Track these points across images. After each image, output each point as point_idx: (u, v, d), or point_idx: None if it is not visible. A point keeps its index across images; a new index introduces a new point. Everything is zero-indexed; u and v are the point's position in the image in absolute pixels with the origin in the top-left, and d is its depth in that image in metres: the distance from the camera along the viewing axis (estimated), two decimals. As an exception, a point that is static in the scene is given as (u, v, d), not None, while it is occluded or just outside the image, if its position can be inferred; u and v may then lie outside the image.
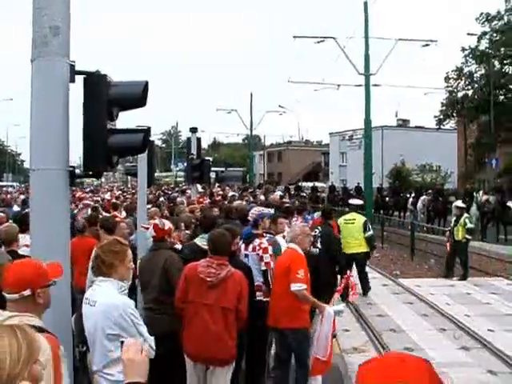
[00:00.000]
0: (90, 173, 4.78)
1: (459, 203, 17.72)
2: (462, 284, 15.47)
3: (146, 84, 4.71)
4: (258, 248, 7.82)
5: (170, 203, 16.83)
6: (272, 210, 10.02)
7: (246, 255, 7.87)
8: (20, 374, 1.99)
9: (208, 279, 5.59)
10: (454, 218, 17.12)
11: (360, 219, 13.82)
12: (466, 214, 17.07)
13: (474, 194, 29.50)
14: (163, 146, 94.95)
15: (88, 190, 45.07)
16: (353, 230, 13.43)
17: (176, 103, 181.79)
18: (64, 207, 4.61)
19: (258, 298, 7.36)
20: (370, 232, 13.71)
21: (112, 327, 4.23)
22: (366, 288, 13.50)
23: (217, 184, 37.60)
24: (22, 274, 3.38)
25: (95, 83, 4.60)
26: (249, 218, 9.04)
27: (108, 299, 4.29)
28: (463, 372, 8.47)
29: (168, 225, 6.92)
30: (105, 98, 4.56)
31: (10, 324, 2.16)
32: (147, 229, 7.95)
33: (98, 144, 4.52)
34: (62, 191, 4.56)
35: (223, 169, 54.03)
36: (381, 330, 10.51)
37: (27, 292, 3.30)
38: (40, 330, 3.08)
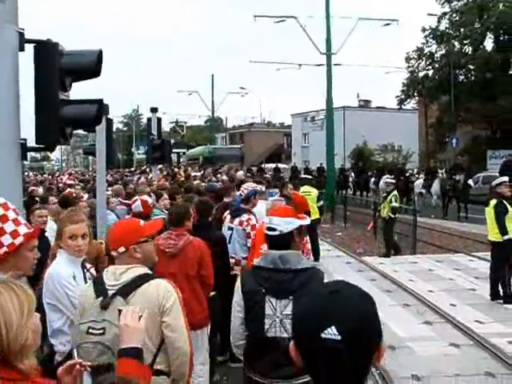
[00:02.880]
0: (43, 146, 4.59)
1: (389, 179, 17.67)
2: (425, 260, 15.60)
3: (100, 53, 4.53)
4: (245, 224, 7.83)
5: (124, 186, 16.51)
6: (264, 188, 9.90)
7: (231, 228, 7.89)
8: (27, 326, 2.11)
9: (167, 250, 5.73)
10: (384, 195, 17.26)
11: (314, 191, 15.73)
12: (394, 192, 16.95)
13: (439, 172, 29.85)
14: (125, 129, 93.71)
15: (48, 173, 44.27)
16: (310, 201, 14.29)
17: (136, 86, 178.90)
18: (16, 181, 4.41)
19: (233, 272, 7.26)
20: (322, 202, 16.36)
21: (49, 296, 4.29)
22: (317, 252, 13.88)
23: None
24: (115, 233, 3.74)
25: (46, 52, 4.39)
26: (240, 192, 8.87)
27: (50, 269, 4.41)
28: (427, 346, 8.53)
29: (153, 203, 6.87)
30: (57, 67, 4.37)
31: (5, 281, 2.24)
32: (129, 205, 7.83)
33: (50, 115, 4.34)
34: (13, 164, 4.36)
35: (185, 150, 53.20)
36: (345, 306, 10.49)
37: (122, 249, 3.57)
38: (157, 276, 3.59)
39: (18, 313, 2.09)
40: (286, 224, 3.87)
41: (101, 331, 3.35)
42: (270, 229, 3.96)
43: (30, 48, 4.41)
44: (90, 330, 3.40)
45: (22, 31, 4.35)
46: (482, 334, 8.83)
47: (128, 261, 3.57)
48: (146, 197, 7.28)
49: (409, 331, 9.20)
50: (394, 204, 16.55)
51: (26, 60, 4.45)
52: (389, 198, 16.73)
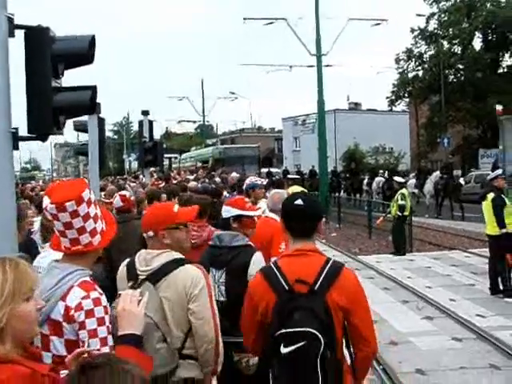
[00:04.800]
0: (35, 135, 4.43)
1: (398, 178, 17.49)
2: (422, 258, 15.52)
3: (93, 38, 4.38)
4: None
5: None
6: (265, 182, 9.84)
7: None
8: (1, 308, 1.97)
9: (192, 241, 5.49)
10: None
11: (303, 191, 14.82)
12: (402, 190, 16.76)
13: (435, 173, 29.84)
14: (115, 137, 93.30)
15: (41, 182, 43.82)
16: None
17: (126, 94, 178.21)
18: (7, 172, 4.25)
19: None
20: None
21: None
22: None
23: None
24: (147, 216, 3.88)
25: (37, 38, 4.24)
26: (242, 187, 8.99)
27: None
28: (429, 340, 8.44)
29: (133, 196, 6.73)
30: (48, 53, 4.21)
31: (3, 257, 2.12)
32: (110, 203, 7.70)
33: (42, 103, 4.19)
34: (4, 155, 4.20)
35: (177, 155, 51.88)
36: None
37: (150, 233, 3.62)
38: (188, 262, 3.61)
39: None
40: (224, 211, 4.83)
41: None
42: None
43: (20, 34, 4.26)
44: None
45: (11, 16, 4.20)
46: (484, 328, 8.74)
47: (158, 246, 3.61)
48: (124, 192, 7.13)
49: (410, 327, 9.11)
50: (402, 202, 16.40)
51: (17, 46, 4.30)
52: (396, 196, 16.62)
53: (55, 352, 2.77)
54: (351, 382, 3.24)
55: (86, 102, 4.40)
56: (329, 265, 3.12)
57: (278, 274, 3.10)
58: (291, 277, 3.06)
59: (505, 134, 15.97)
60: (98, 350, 2.61)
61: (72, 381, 1.68)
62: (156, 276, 3.49)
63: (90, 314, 2.71)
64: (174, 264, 3.54)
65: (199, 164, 40.49)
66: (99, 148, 9.47)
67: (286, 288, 3.04)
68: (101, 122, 9.76)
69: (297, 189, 15.17)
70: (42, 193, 17.89)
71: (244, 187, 8.45)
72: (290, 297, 3.01)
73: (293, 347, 2.89)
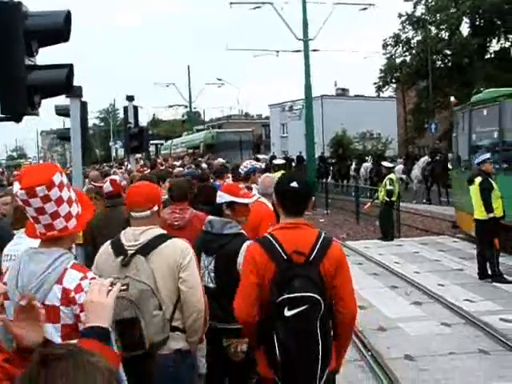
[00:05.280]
0: (9, 116, 4.23)
1: (387, 163, 17.36)
2: (410, 243, 15.46)
3: (68, 13, 4.15)
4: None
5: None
6: (263, 165, 9.74)
7: None
8: None
9: (175, 223, 5.83)
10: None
11: None
12: (390, 175, 16.62)
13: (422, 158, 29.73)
14: (101, 124, 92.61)
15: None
16: None
17: (112, 80, 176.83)
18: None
19: None
20: None
21: None
22: None
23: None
24: (150, 193, 3.89)
25: (9, 13, 4.03)
26: (240, 170, 8.69)
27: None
28: (418, 326, 8.36)
29: (123, 181, 6.62)
30: (21, 29, 4.00)
31: None
32: (100, 187, 7.57)
33: (16, 81, 3.98)
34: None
35: (163, 141, 51.13)
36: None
37: (156, 208, 3.79)
38: (172, 236, 3.84)
39: None
40: (218, 197, 4.76)
41: (124, 287, 3.45)
42: None
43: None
44: None
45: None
46: (472, 313, 8.68)
47: (155, 220, 3.85)
48: (114, 176, 7.02)
49: (398, 312, 9.01)
50: (390, 187, 16.24)
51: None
52: (384, 181, 16.50)
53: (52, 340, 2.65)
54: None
55: (62, 81, 4.20)
56: (321, 238, 3.46)
57: (276, 244, 3.41)
58: (288, 247, 3.38)
59: (457, 125, 16.46)
60: None
61: (30, 374, 1.50)
62: (146, 249, 3.67)
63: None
64: (163, 238, 3.75)
65: (190, 151, 37.80)
66: (82, 133, 9.23)
67: (285, 257, 3.37)
68: (83, 105, 9.49)
69: (283, 173, 15.17)
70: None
71: (244, 171, 8.29)
72: (289, 265, 3.34)
73: (296, 310, 3.23)
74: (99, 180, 9.79)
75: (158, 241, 3.71)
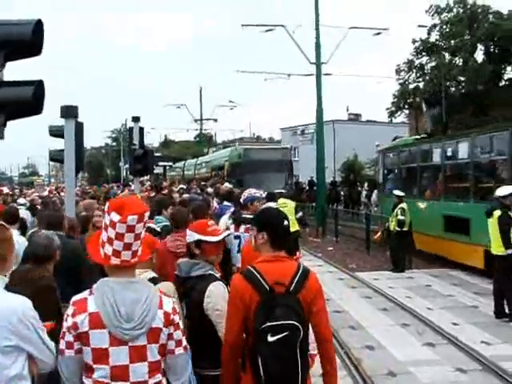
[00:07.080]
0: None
1: (397, 192, 16.74)
2: (421, 276, 14.82)
3: (39, 23, 3.60)
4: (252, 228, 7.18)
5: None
6: (264, 194, 9.19)
7: (237, 236, 7.48)
8: None
9: (178, 250, 5.83)
10: (392, 207, 16.40)
11: (291, 203, 15.17)
12: (401, 204, 15.90)
13: None
14: (114, 144, 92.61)
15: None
16: (287, 213, 13.37)
17: (125, 101, 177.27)
18: None
19: None
20: (300, 213, 16.08)
21: (9, 337, 3.12)
22: None
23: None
24: (150, 241, 3.94)
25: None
26: (240, 200, 8.33)
27: (1, 302, 3.18)
28: (430, 371, 7.74)
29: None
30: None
31: None
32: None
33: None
34: None
35: (171, 163, 50.54)
36: (338, 326, 9.57)
37: (151, 254, 3.96)
38: (160, 280, 4.18)
39: None
40: (187, 236, 4.45)
41: None
42: None
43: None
44: None
45: None
46: (490, 358, 8.02)
47: (148, 266, 4.10)
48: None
49: (410, 355, 8.40)
50: (401, 217, 15.61)
51: None
52: (395, 210, 15.85)
53: (151, 359, 2.99)
54: (312, 363, 4.02)
55: (28, 99, 3.65)
56: (300, 270, 3.67)
57: (258, 276, 3.60)
58: (270, 279, 3.58)
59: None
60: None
61: None
62: None
63: (178, 315, 3.17)
64: (153, 282, 3.60)
65: (214, 172, 32.80)
66: (76, 153, 8.81)
67: (268, 289, 3.56)
68: (79, 126, 9.05)
69: (284, 201, 14.68)
70: (21, 199, 17.19)
71: (242, 201, 7.88)
72: (271, 296, 3.54)
73: (279, 336, 3.44)
74: (93, 208, 9.23)
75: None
